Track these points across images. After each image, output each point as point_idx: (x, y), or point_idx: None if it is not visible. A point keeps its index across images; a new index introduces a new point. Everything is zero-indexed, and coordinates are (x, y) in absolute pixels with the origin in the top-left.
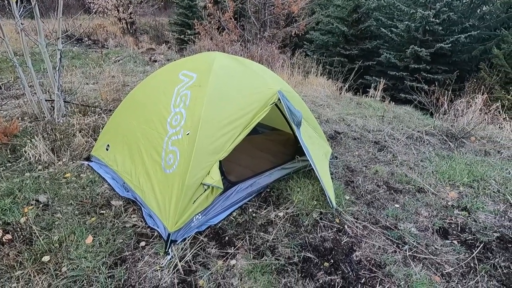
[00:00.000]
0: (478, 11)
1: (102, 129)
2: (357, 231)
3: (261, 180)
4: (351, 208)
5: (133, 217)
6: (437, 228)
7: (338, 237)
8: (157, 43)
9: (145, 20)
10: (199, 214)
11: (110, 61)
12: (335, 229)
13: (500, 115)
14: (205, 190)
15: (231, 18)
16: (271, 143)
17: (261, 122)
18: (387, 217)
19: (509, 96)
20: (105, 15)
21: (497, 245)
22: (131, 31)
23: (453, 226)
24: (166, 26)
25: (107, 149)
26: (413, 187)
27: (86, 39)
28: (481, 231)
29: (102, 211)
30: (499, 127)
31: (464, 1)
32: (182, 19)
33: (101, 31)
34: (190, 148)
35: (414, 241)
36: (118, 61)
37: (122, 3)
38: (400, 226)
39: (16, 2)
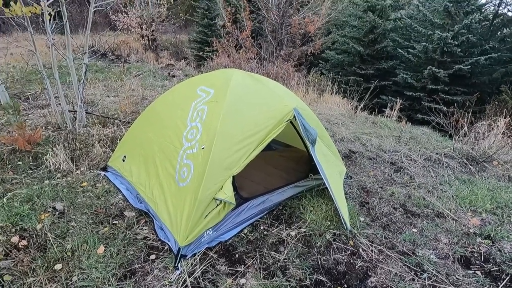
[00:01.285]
0: (498, 33)
1: (120, 140)
2: (372, 255)
3: (274, 197)
4: (366, 231)
5: (145, 229)
6: (459, 257)
7: (352, 261)
8: (176, 59)
9: (166, 37)
10: (210, 230)
11: (131, 75)
12: (349, 251)
13: None
14: (217, 205)
15: (248, 37)
16: (284, 160)
17: (275, 138)
18: (404, 242)
19: None
20: (129, 32)
21: None
22: (152, 47)
23: (475, 255)
24: (186, 43)
25: (123, 160)
26: (432, 211)
27: (110, 54)
28: (507, 262)
29: (115, 222)
30: None
31: (483, 23)
32: (201, 37)
33: (125, 46)
34: (204, 162)
35: (433, 269)
36: (139, 75)
37: (145, 21)
38: (418, 252)
39: (49, 20)
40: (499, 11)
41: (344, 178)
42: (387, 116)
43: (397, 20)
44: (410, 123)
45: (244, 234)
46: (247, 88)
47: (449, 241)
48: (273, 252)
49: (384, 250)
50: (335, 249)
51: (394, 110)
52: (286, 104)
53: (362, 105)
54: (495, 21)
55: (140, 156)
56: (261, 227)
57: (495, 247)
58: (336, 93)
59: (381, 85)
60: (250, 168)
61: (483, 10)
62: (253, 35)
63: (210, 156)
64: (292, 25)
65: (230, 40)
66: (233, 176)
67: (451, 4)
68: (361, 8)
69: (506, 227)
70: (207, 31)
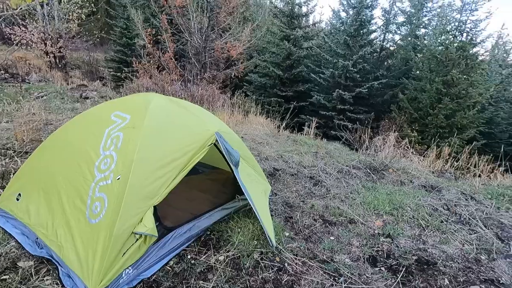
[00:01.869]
0: (385, 63)
1: (13, 175)
2: (296, 268)
3: (201, 222)
4: (291, 245)
5: (47, 280)
6: (367, 257)
7: (278, 277)
8: (91, 79)
9: (77, 55)
10: (130, 268)
11: (31, 97)
12: (276, 268)
13: (409, 149)
14: (137, 239)
15: (171, 58)
16: (211, 183)
17: (201, 161)
18: (324, 250)
19: (414, 134)
20: (29, 47)
21: (415, 267)
22: (59, 66)
23: (380, 253)
24: (102, 62)
25: (17, 199)
26: (345, 218)
27: (2, 72)
28: (403, 256)
29: (4, 277)
30: (410, 160)
31: (374, 55)
32: (120, 56)
33: (23, 64)
34: (120, 194)
35: (348, 272)
36: (42, 97)
37: (50, 36)
38: (335, 258)
39: None
40: (384, 46)
41: (270, 196)
42: (306, 134)
43: (308, 48)
44: (325, 139)
45: (170, 266)
46: (167, 113)
47: (360, 243)
48: (201, 282)
49: (307, 261)
50: (263, 268)
51: (311, 128)
52: (208, 128)
53: (284, 124)
54: (381, 53)
55: (41, 192)
56: (188, 256)
57: (394, 244)
58: (260, 114)
59: (299, 105)
60: (174, 194)
61: (372, 44)
62: (177, 56)
63: (127, 187)
64: (215, 49)
65: (151, 61)
66: (155, 206)
67: (349, 38)
68: (278, 37)
69: (401, 225)
70: (126, 51)
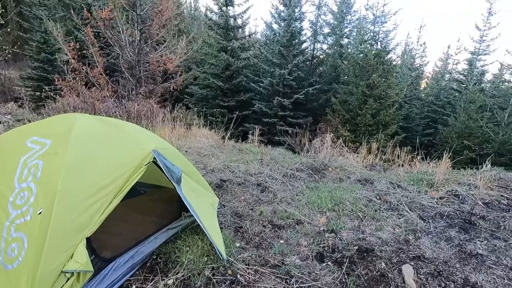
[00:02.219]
0: (317, 70)
1: None
2: (249, 277)
3: (145, 247)
4: (242, 255)
5: None
6: (315, 254)
7: None
8: (3, 100)
9: None
10: None
11: None
12: (229, 281)
13: (343, 148)
14: (68, 279)
15: (101, 74)
16: (154, 203)
17: (141, 181)
18: (275, 255)
19: (347, 133)
20: None
21: (357, 256)
22: None
23: (326, 248)
24: (17, 80)
25: None
26: (293, 220)
27: None
28: (346, 248)
29: None
30: (346, 158)
31: (307, 63)
32: (39, 73)
33: None
34: (43, 230)
35: (299, 272)
36: None
37: None
38: (286, 261)
39: None
40: (314, 54)
41: (218, 208)
42: (250, 142)
43: (246, 59)
44: (270, 146)
45: None
46: (96, 134)
47: (308, 242)
48: None
49: (259, 268)
50: (215, 284)
51: (255, 136)
52: (144, 146)
53: (229, 134)
54: (313, 62)
55: None
56: (134, 286)
57: (337, 238)
58: (204, 126)
59: (243, 114)
60: (112, 220)
61: (304, 53)
62: (108, 71)
63: (51, 221)
64: (150, 62)
65: (77, 78)
66: (89, 238)
67: (283, 48)
68: (215, 48)
69: (342, 219)
70: (47, 67)
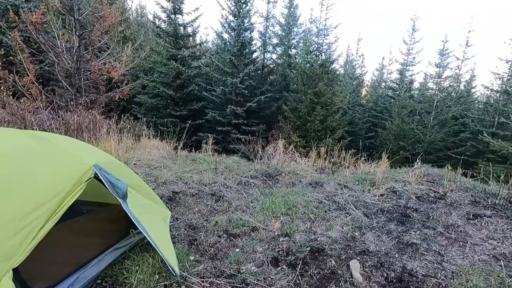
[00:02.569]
0: (268, 79)
1: None
2: None
3: (88, 272)
4: (197, 268)
5: None
6: (270, 259)
7: None
8: None
9: None
10: None
11: None
12: None
13: (295, 153)
14: None
15: (33, 83)
16: (99, 223)
17: (86, 199)
18: (231, 265)
19: (297, 139)
20: None
21: (310, 257)
22: None
23: (281, 252)
24: None
25: None
26: (248, 228)
27: None
28: (299, 250)
29: None
30: (298, 162)
31: (258, 72)
32: None
33: None
34: None
35: (254, 279)
36: None
37: None
38: (242, 269)
39: None
40: (265, 64)
41: (171, 222)
42: (204, 151)
43: (198, 67)
44: (225, 154)
45: None
46: (22, 151)
47: (263, 248)
48: None
49: (214, 280)
50: None
51: (208, 145)
52: (84, 161)
53: (181, 144)
54: (264, 71)
55: None
56: None
57: (291, 241)
58: (154, 137)
59: (196, 123)
60: (48, 246)
61: (255, 63)
62: (41, 80)
63: None
64: (92, 70)
65: (2, 87)
66: (16, 268)
67: (234, 58)
68: (165, 57)
69: (295, 222)
70: None
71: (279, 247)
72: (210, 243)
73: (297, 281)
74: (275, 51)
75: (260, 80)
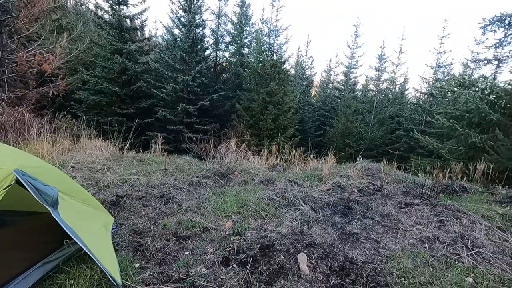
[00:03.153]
0: (221, 77)
1: None
2: None
3: None
4: (142, 275)
5: None
6: (221, 259)
7: None
8: None
9: None
10: None
11: None
12: None
13: (248, 151)
14: None
15: None
16: (26, 234)
17: (8, 209)
18: (179, 268)
19: (249, 138)
20: None
21: (260, 254)
22: None
23: (231, 252)
24: None
25: None
26: (199, 229)
27: None
28: (250, 248)
29: None
30: (250, 161)
31: (211, 70)
32: None
33: None
34: None
35: (204, 281)
36: None
37: None
38: (191, 272)
39: None
40: (217, 62)
41: (114, 228)
42: (154, 151)
43: (146, 63)
44: (176, 154)
45: None
46: None
47: (214, 249)
48: None
49: (161, 286)
50: None
51: (158, 145)
52: (3, 166)
53: (128, 144)
54: (216, 69)
55: None
56: None
57: (242, 239)
58: (97, 137)
59: (145, 122)
60: None
61: (207, 60)
62: None
63: None
64: (19, 62)
65: None
66: None
67: (185, 54)
68: (108, 50)
69: (247, 220)
70: None
71: (230, 246)
72: (157, 247)
73: (247, 279)
74: (228, 50)
75: (213, 78)
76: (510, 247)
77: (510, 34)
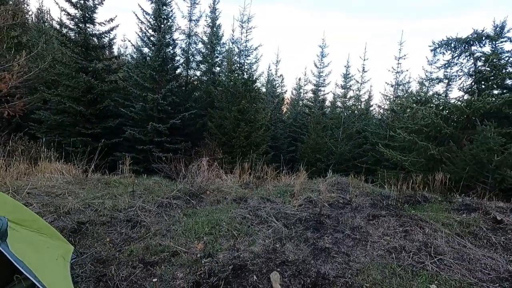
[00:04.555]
0: (192, 95)
1: None
2: None
3: None
4: None
5: None
6: (191, 284)
7: None
8: None
9: None
10: None
11: None
12: None
13: (220, 169)
14: None
15: None
16: None
17: None
18: None
19: (221, 156)
20: None
21: (232, 275)
22: None
23: (203, 275)
24: None
25: None
26: (168, 253)
27: None
28: (221, 270)
29: None
30: (223, 179)
31: (182, 88)
32: None
33: None
34: None
35: None
36: None
37: None
38: None
39: None
40: (189, 80)
41: (73, 258)
42: (121, 172)
43: (114, 82)
44: (146, 175)
45: None
46: None
47: (184, 274)
48: None
49: None
50: None
51: (125, 165)
52: None
53: (93, 166)
54: (188, 87)
55: None
56: None
57: (214, 261)
58: (58, 159)
59: (112, 142)
60: None
61: (178, 79)
62: None
63: None
64: None
65: None
66: None
67: (155, 73)
68: (73, 69)
69: (219, 241)
70: None
71: (201, 270)
72: (122, 276)
73: None
74: (199, 68)
75: (184, 96)
76: (468, 252)
77: (456, 56)
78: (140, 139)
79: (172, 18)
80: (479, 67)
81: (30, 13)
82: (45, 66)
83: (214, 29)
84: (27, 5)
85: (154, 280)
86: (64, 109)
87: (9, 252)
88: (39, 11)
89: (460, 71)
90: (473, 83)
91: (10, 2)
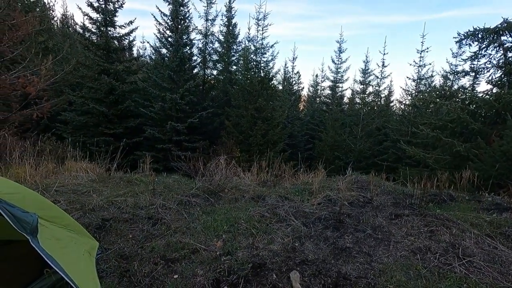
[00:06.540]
0: (209, 95)
1: None
2: None
3: None
4: None
5: None
6: (211, 281)
7: None
8: None
9: None
10: None
11: None
12: None
13: (238, 168)
14: None
15: None
16: (2, 265)
17: None
18: None
19: (239, 154)
20: None
21: (251, 274)
22: None
23: (222, 273)
24: None
25: None
26: (188, 250)
27: None
28: (241, 268)
29: None
30: (240, 177)
31: (200, 87)
32: None
33: None
34: None
35: None
36: None
37: None
38: None
39: None
40: (206, 79)
41: (98, 254)
42: (142, 171)
43: (134, 83)
44: (165, 173)
45: None
46: None
47: (204, 271)
48: None
49: None
50: None
51: (146, 164)
52: None
53: (115, 165)
54: (205, 86)
55: None
56: None
57: (233, 259)
58: (83, 158)
59: (133, 142)
60: None
61: (196, 78)
62: None
63: None
64: (2, 85)
65: None
66: None
67: (173, 73)
68: (95, 71)
69: (238, 239)
70: None
71: (220, 267)
72: (145, 272)
73: None
74: (216, 67)
75: (201, 95)
76: (499, 254)
77: (484, 48)
78: (160, 138)
79: (189, 18)
80: (510, 58)
81: (55, 18)
82: (69, 69)
83: (230, 28)
84: (53, 11)
85: (175, 276)
86: (88, 110)
87: (40, 247)
88: (63, 17)
89: (488, 63)
90: (502, 75)
91: (37, 9)
